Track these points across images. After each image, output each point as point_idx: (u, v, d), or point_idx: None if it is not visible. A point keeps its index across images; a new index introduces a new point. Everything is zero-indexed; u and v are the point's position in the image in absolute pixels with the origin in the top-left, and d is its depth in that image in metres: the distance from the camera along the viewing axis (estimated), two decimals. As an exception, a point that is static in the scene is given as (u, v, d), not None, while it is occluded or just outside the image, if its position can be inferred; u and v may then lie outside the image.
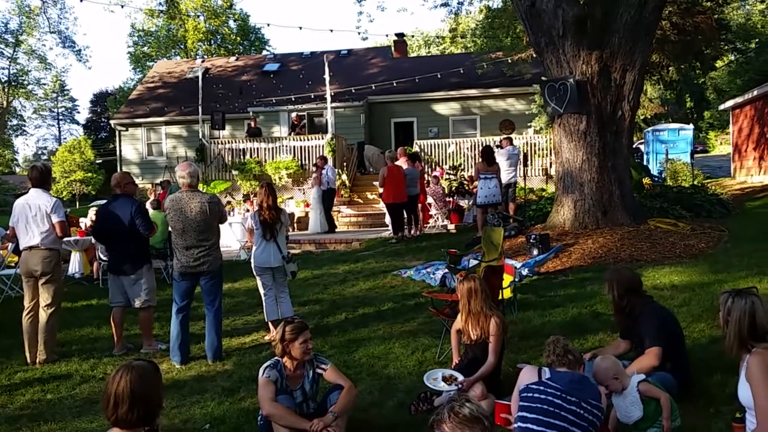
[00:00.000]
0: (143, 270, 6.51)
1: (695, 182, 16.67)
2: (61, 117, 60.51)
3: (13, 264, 10.19)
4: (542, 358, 3.54)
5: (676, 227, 9.99)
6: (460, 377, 4.40)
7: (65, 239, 10.36)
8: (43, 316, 6.27)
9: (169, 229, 6.45)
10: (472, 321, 4.64)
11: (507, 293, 6.95)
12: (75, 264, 11.42)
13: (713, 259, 8.38)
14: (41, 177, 6.35)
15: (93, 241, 10.71)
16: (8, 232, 6.61)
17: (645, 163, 20.77)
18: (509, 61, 19.87)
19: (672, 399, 3.59)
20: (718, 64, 22.04)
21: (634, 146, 22.75)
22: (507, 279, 7.11)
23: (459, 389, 4.27)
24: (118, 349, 6.64)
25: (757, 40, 26.86)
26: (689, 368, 4.31)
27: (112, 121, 27.66)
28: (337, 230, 16.00)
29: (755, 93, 18.63)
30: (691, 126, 23.11)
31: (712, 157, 32.68)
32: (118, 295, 6.59)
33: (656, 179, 17.20)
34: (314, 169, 16.50)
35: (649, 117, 23.44)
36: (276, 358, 4.10)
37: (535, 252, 9.26)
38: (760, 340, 2.99)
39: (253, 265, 6.83)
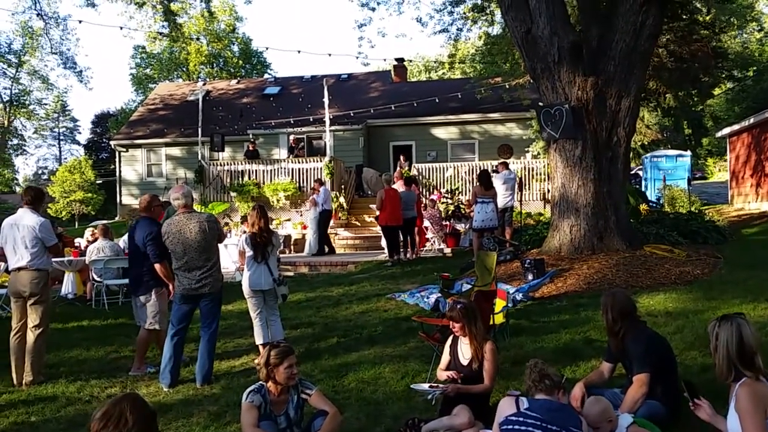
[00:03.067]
0: (152, 293, 6.46)
1: (692, 208, 16.66)
2: (61, 137, 60.75)
3: (5, 284, 10.14)
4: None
5: (671, 253, 9.96)
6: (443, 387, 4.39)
7: (58, 259, 10.37)
8: (30, 337, 6.22)
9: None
10: (467, 342, 4.57)
11: (499, 318, 6.90)
12: (68, 284, 11.37)
13: (708, 285, 8.34)
14: (33, 198, 6.36)
15: (87, 261, 10.68)
16: (-1, 252, 6.59)
17: (643, 189, 20.80)
18: (507, 86, 20.01)
19: (659, 429, 3.55)
20: (716, 91, 22.24)
21: (632, 172, 22.89)
22: (500, 304, 7.07)
23: (443, 392, 4.34)
24: (134, 369, 6.59)
25: (754, 68, 27.09)
26: (680, 395, 4.25)
27: (112, 142, 27.78)
28: (335, 252, 15.95)
29: (752, 120, 18.71)
30: (689, 153, 23.21)
31: (710, 184, 32.73)
32: (142, 314, 6.63)
33: (654, 205, 17.20)
34: (311, 191, 16.51)
35: (647, 143, 23.54)
36: (260, 382, 4.05)
37: (530, 277, 9.22)
38: (749, 363, 2.96)
39: (243, 288, 6.79)
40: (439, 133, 24.02)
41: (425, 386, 4.50)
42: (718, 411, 3.84)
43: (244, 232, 15.27)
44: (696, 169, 34.37)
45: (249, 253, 6.63)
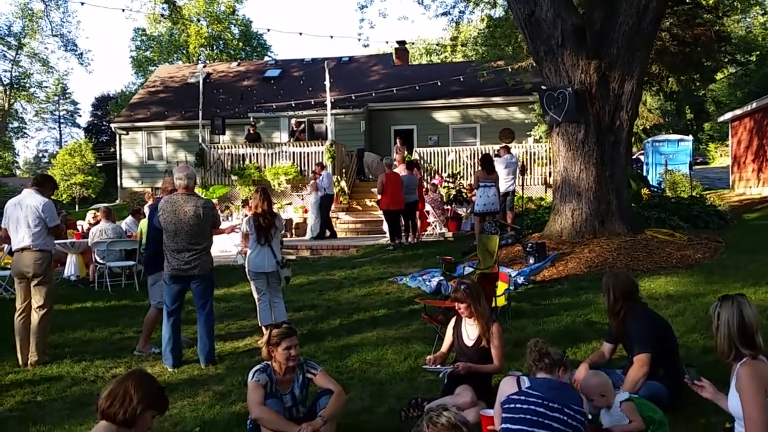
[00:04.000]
0: (161, 272, 6.45)
1: (694, 193, 16.68)
2: (62, 120, 60.58)
3: (8, 266, 10.18)
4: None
5: (672, 237, 9.99)
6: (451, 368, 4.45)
7: (61, 242, 10.41)
8: (35, 317, 6.26)
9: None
10: (473, 321, 4.60)
11: (501, 301, 6.93)
12: (71, 266, 11.40)
13: (709, 269, 8.37)
14: (41, 182, 6.43)
15: (90, 243, 10.71)
16: (1, 233, 6.60)
17: (645, 173, 20.79)
18: (510, 70, 19.92)
19: (661, 411, 3.57)
20: (718, 76, 22.14)
21: (634, 157, 22.83)
22: (501, 287, 7.10)
23: (454, 370, 4.38)
24: (139, 348, 6.66)
25: (757, 52, 26.95)
26: (681, 376, 4.29)
27: (112, 125, 27.73)
28: (336, 236, 15.97)
29: (754, 105, 18.66)
30: (691, 137, 23.15)
31: (711, 169, 32.70)
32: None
33: (655, 190, 17.21)
34: (312, 175, 16.50)
35: (649, 128, 23.48)
36: (266, 362, 4.09)
37: (531, 260, 9.25)
38: (749, 342, 2.98)
39: (247, 270, 6.82)
40: (441, 117, 23.94)
41: (438, 365, 4.54)
42: (719, 391, 3.88)
43: (246, 215, 15.38)
44: (697, 154, 34.30)
45: (252, 235, 6.65)
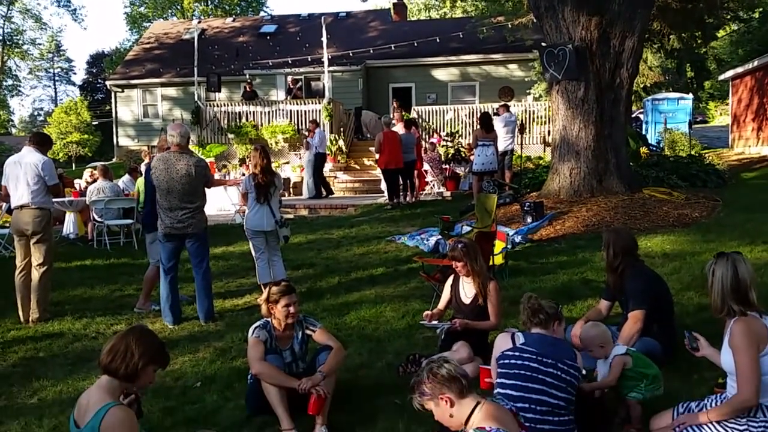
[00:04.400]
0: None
1: (693, 152, 16.62)
2: (57, 78, 59.80)
3: (7, 224, 10.19)
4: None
5: (670, 196, 10.00)
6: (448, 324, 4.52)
7: (59, 200, 10.39)
8: (35, 275, 6.30)
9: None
10: (470, 280, 4.64)
11: (499, 259, 6.98)
12: (69, 225, 11.40)
13: (706, 228, 8.40)
14: (40, 141, 6.39)
15: (88, 201, 10.70)
16: (1, 191, 6.59)
17: (644, 132, 20.67)
18: (510, 26, 19.63)
19: (656, 367, 3.62)
20: (720, 33, 21.83)
21: (633, 115, 22.68)
22: (499, 245, 7.13)
23: (451, 326, 4.45)
24: (140, 305, 6.72)
25: (761, 9, 26.47)
26: (676, 333, 4.35)
27: (108, 82, 27.39)
28: (333, 195, 15.97)
29: (756, 63, 18.45)
30: (691, 96, 22.94)
31: (711, 128, 32.53)
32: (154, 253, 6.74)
33: (654, 148, 17.14)
34: (307, 133, 16.40)
35: (649, 86, 23.25)
36: (266, 318, 4.13)
37: (529, 219, 9.27)
38: (743, 298, 3.01)
39: (245, 229, 6.83)
40: (440, 74, 23.67)
41: (434, 321, 4.61)
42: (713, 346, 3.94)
43: (243, 174, 15.33)
44: (697, 113, 34.07)
45: (251, 194, 6.63)
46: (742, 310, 3.02)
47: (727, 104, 26.44)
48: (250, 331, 4.08)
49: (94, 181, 11.60)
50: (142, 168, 10.52)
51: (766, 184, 12.22)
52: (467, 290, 4.69)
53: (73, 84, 59.64)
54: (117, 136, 26.04)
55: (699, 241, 7.71)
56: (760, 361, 2.94)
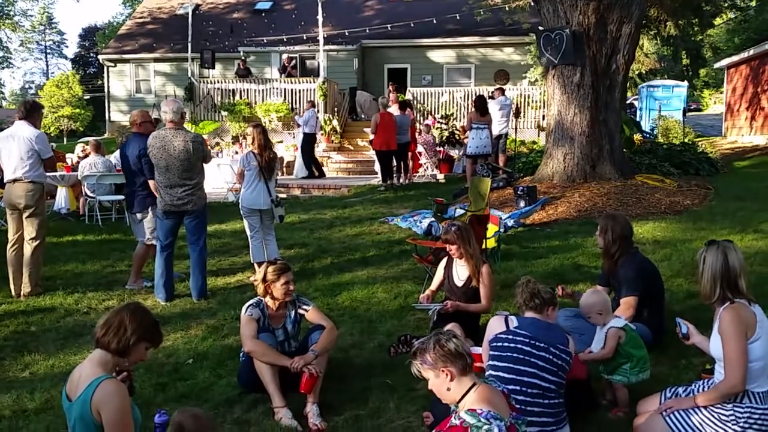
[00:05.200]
0: (150, 209, 6.46)
1: (686, 140, 16.67)
2: (48, 51, 59.13)
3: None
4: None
5: (662, 183, 10.05)
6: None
7: (51, 174, 10.32)
8: (27, 249, 6.27)
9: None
10: (463, 262, 4.67)
11: (491, 243, 7.01)
12: (61, 199, 11.35)
13: (697, 216, 8.46)
14: (29, 111, 6.29)
15: (80, 176, 10.64)
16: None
17: (638, 119, 20.69)
18: (507, 8, 19.51)
19: (644, 350, 3.66)
20: (717, 21, 21.76)
21: (628, 102, 22.66)
22: (492, 229, 7.16)
23: (442, 308, 4.47)
24: (131, 282, 6.70)
25: (758, -3, 26.40)
26: (665, 320, 4.40)
27: (100, 57, 27.12)
28: (326, 176, 15.92)
29: (751, 52, 18.46)
30: (686, 83, 22.96)
31: (704, 116, 32.60)
32: (139, 232, 6.69)
33: (647, 135, 17.17)
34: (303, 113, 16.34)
35: (644, 72, 23.23)
36: (259, 297, 4.14)
37: (522, 204, 9.30)
38: (733, 285, 3.04)
39: (241, 207, 6.79)
40: (436, 56, 23.54)
41: (425, 302, 4.65)
42: (701, 334, 3.99)
43: (236, 152, 15.28)
44: (691, 101, 34.10)
45: (249, 171, 6.59)
46: (731, 297, 3.05)
47: (721, 92, 26.48)
48: (243, 309, 4.09)
49: (86, 156, 11.52)
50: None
51: (759, 173, 12.29)
52: (460, 273, 4.72)
53: (65, 57, 59.10)
54: (109, 111, 25.82)
55: (690, 228, 7.76)
56: (748, 348, 2.98)
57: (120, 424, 2.62)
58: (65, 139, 34.66)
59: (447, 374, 2.51)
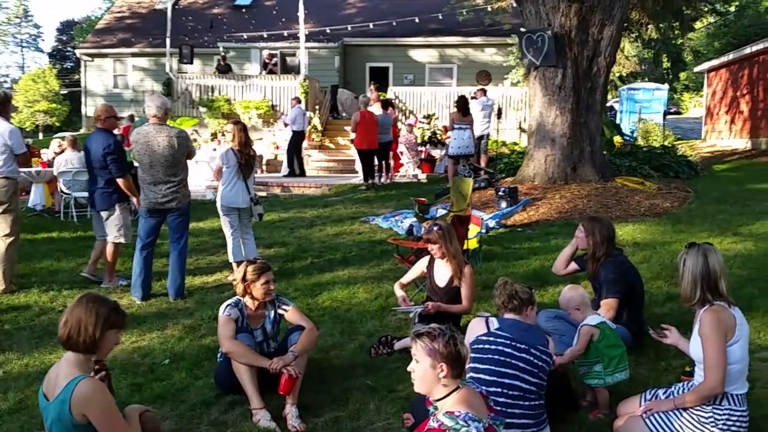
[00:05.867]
0: (116, 207, 6.32)
1: (666, 143, 16.83)
2: (24, 44, 58.18)
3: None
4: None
5: (642, 186, 10.12)
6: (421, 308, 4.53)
7: (26, 170, 10.13)
8: (1, 246, 6.13)
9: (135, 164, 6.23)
10: (445, 262, 4.65)
11: (473, 243, 6.99)
12: (36, 195, 11.15)
13: (676, 218, 8.52)
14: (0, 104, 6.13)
15: (55, 172, 10.45)
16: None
17: (618, 121, 20.85)
18: (489, 9, 19.57)
19: (620, 351, 3.65)
20: (697, 25, 22.01)
21: (608, 104, 22.85)
22: (473, 230, 7.14)
23: (424, 309, 4.45)
24: (106, 281, 6.55)
25: (737, 2, 26.77)
26: (644, 322, 4.41)
27: (77, 51, 26.74)
28: (306, 176, 15.82)
29: (731, 57, 18.71)
30: (666, 86, 23.20)
31: (684, 119, 32.98)
32: (99, 228, 6.52)
33: (628, 138, 17.32)
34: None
35: (625, 75, 23.46)
36: (237, 297, 4.08)
37: (504, 204, 9.31)
38: (713, 288, 3.05)
39: (220, 205, 6.66)
40: (418, 55, 23.55)
41: (404, 305, 4.61)
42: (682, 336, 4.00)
43: (215, 149, 15.13)
44: (671, 104, 34.49)
45: (228, 168, 6.49)
46: (711, 299, 3.06)
47: (701, 96, 26.81)
48: (221, 309, 4.02)
49: (63, 151, 11.32)
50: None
51: (738, 176, 12.43)
52: (442, 273, 4.69)
53: (42, 51, 58.33)
54: (86, 106, 25.47)
55: (670, 231, 7.82)
56: (728, 350, 2.99)
57: (110, 418, 2.60)
58: (41, 134, 34.16)
59: (442, 370, 2.48)
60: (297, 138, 15.55)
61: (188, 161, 6.25)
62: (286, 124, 15.45)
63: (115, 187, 6.22)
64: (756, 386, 3.69)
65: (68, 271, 7.17)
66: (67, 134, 14.83)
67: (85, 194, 10.36)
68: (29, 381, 4.24)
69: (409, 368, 2.58)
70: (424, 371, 2.51)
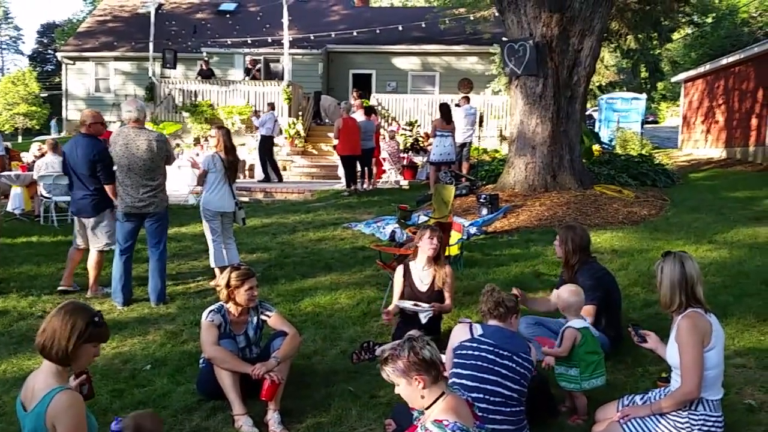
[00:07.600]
0: (105, 213, 6.20)
1: (643, 152, 17.05)
2: (4, 46, 57.50)
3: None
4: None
5: (620, 194, 10.26)
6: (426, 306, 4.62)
7: (5, 173, 10.03)
8: (-22, 250, 6.07)
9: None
10: (429, 266, 4.75)
11: (454, 250, 7.05)
12: (16, 199, 11.01)
13: (654, 226, 8.65)
14: None
15: (35, 176, 10.35)
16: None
17: (597, 130, 21.07)
18: (472, 18, 19.74)
19: (597, 357, 3.71)
20: (675, 36, 22.40)
21: (587, 113, 23.10)
22: (455, 236, 7.20)
23: (431, 309, 4.55)
24: (91, 292, 6.37)
25: (713, 14, 27.27)
26: (622, 328, 4.49)
27: (59, 54, 26.46)
28: (283, 181, 15.72)
29: (708, 67, 19.03)
30: (644, 96, 23.46)
31: (661, 128, 33.43)
32: (80, 236, 6.32)
33: (606, 147, 17.52)
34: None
35: (604, 84, 23.73)
36: (220, 302, 4.08)
37: (485, 211, 9.38)
38: (690, 294, 3.12)
39: (204, 210, 6.64)
40: (401, 63, 23.66)
41: (408, 304, 4.64)
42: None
43: (197, 154, 15.06)
44: (649, 113, 34.89)
45: (215, 174, 6.47)
46: (688, 306, 3.13)
47: (678, 105, 27.21)
48: (204, 314, 4.02)
49: (43, 155, 11.21)
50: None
51: (713, 185, 12.64)
52: (423, 277, 4.75)
53: (22, 53, 57.65)
54: (66, 110, 25.22)
55: (647, 238, 7.94)
56: (704, 356, 3.06)
57: None
58: (20, 138, 33.73)
59: (419, 382, 2.51)
60: (265, 142, 15.40)
61: (170, 166, 6.24)
62: (256, 127, 15.47)
63: (102, 194, 6.12)
64: (731, 392, 3.78)
65: (48, 276, 7.10)
66: (48, 138, 14.69)
67: (66, 198, 10.29)
68: (7, 387, 4.21)
69: (396, 392, 2.62)
70: (406, 391, 2.55)
